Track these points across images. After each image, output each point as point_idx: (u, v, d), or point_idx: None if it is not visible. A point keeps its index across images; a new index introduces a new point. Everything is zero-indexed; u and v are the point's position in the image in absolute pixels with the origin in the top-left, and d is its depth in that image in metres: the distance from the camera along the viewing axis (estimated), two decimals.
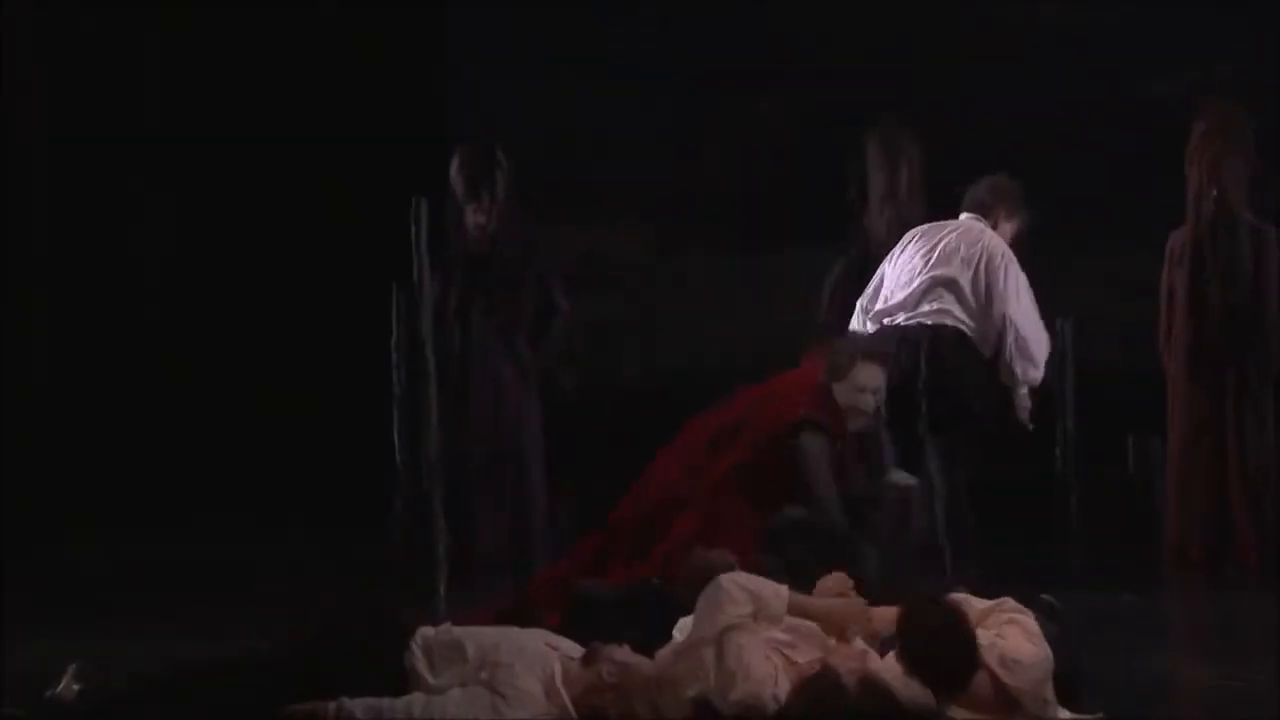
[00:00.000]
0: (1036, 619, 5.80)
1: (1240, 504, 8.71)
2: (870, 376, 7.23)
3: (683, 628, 5.76)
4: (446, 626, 5.70)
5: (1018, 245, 8.16)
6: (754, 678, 5.40)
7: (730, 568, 6.10)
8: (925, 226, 8.14)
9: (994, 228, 8.16)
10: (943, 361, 7.87)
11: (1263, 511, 8.70)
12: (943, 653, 5.28)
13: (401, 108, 10.90)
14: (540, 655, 5.54)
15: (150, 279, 11.21)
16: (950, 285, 7.95)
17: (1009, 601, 5.69)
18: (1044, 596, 6.58)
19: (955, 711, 5.34)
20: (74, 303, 10.91)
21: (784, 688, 5.41)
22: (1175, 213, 8.85)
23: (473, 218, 8.58)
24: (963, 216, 8.17)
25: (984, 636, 5.51)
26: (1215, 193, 8.70)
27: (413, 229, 8.07)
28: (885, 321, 7.94)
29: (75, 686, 5.74)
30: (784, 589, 5.66)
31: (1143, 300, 9.13)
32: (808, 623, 5.61)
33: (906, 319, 7.93)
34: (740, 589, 5.56)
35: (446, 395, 8.27)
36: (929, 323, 7.92)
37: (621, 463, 10.08)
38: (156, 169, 11.15)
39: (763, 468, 7.08)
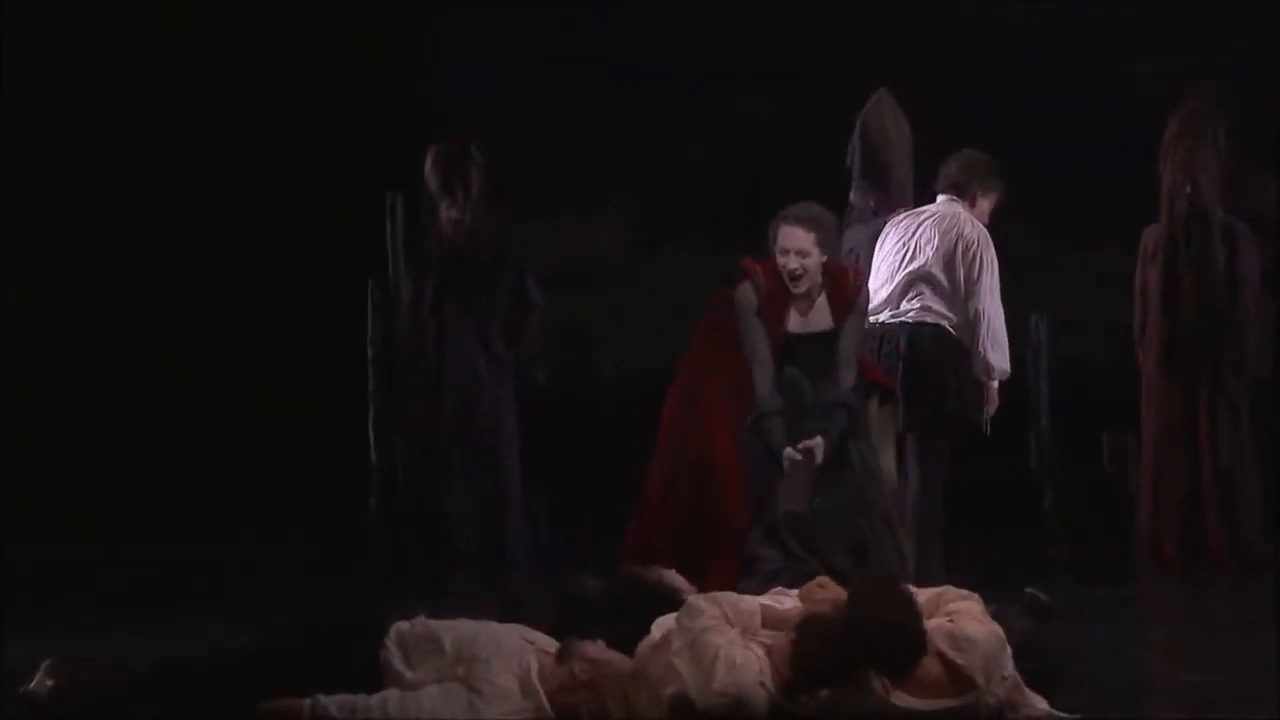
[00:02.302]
0: (1015, 613, 5.81)
1: (1213, 500, 8.73)
2: (787, 238, 7.28)
3: (661, 624, 5.76)
4: (422, 620, 5.68)
5: (996, 218, 8.17)
6: (737, 666, 5.41)
7: (656, 582, 6.07)
8: (903, 215, 8.13)
9: (972, 206, 8.15)
10: (921, 362, 7.88)
11: (1235, 507, 8.73)
12: (890, 634, 5.28)
13: (380, 103, 10.90)
14: (517, 650, 5.53)
15: (127, 276, 11.19)
16: (927, 279, 7.95)
17: (950, 590, 5.70)
18: (1029, 590, 6.58)
19: (910, 696, 5.34)
20: (54, 300, 10.90)
21: (770, 675, 5.41)
22: (1150, 209, 8.88)
23: (447, 213, 8.57)
24: (940, 199, 8.15)
25: (932, 622, 5.51)
26: (1189, 190, 8.73)
27: (388, 225, 8.08)
28: (871, 320, 7.91)
29: (48, 683, 5.72)
30: (755, 603, 5.68)
31: (1118, 297, 9.16)
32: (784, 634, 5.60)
33: (890, 317, 7.95)
34: (710, 603, 5.58)
35: (421, 391, 8.27)
36: (910, 320, 7.92)
37: (597, 459, 10.12)
38: (135, 166, 11.14)
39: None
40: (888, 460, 7.58)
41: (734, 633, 5.51)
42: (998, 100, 10.37)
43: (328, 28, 11.01)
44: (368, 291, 8.21)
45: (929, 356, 7.90)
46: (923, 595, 5.66)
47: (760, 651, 5.48)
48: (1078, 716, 5.59)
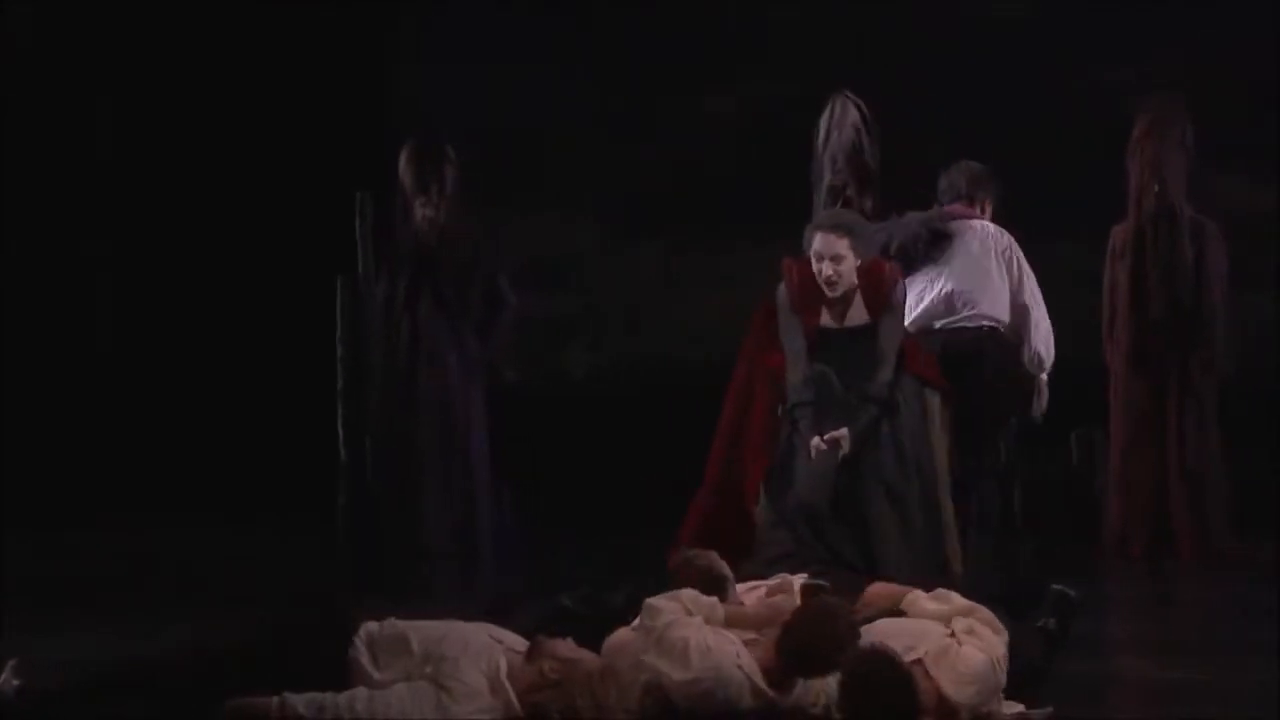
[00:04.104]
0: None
1: (1180, 497, 8.77)
2: (822, 244, 7.50)
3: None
4: (391, 621, 5.68)
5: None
6: (710, 650, 5.42)
7: (718, 573, 6.11)
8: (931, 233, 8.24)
9: (982, 212, 8.30)
10: (981, 363, 8.05)
11: (1203, 504, 8.76)
12: (885, 708, 5.26)
13: (350, 102, 10.88)
14: (485, 649, 5.54)
15: (93, 274, 11.16)
16: (975, 288, 8.09)
17: (985, 612, 5.69)
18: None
19: None
20: (20, 299, 10.86)
21: (748, 659, 5.43)
22: (1118, 205, 8.91)
23: (421, 211, 8.55)
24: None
25: (938, 639, 5.53)
26: (1157, 188, 8.77)
27: (357, 223, 8.07)
28: (933, 325, 8.09)
29: (15, 682, 5.71)
30: (716, 600, 5.70)
31: (1086, 294, 9.19)
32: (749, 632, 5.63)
33: (945, 324, 8.07)
34: (668, 599, 5.60)
35: (392, 388, 8.26)
36: (969, 325, 8.07)
37: (568, 457, 10.12)
38: (102, 164, 11.11)
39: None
40: (941, 455, 7.72)
41: (698, 620, 5.52)
42: (966, 99, 10.39)
43: (298, 25, 10.99)
44: (336, 290, 8.19)
45: (984, 356, 8.05)
46: (951, 600, 5.68)
47: (733, 636, 5.49)
48: (1049, 709, 5.62)
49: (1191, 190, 8.82)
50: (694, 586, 5.84)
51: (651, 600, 5.62)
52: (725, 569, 6.20)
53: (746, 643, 5.53)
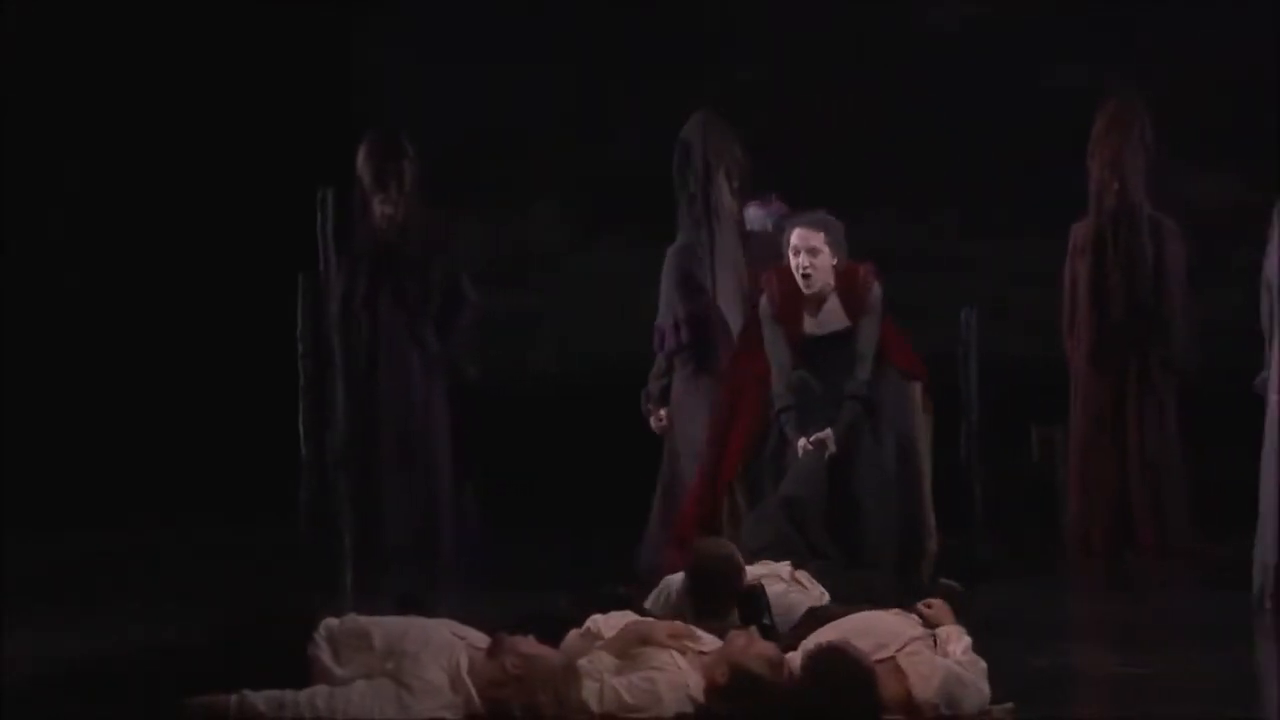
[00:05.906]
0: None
1: (1140, 493, 8.81)
2: (798, 238, 7.65)
3: (595, 620, 5.81)
4: (351, 616, 5.68)
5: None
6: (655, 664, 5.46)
7: (729, 556, 6.18)
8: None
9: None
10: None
11: (1162, 500, 8.81)
12: (844, 705, 5.27)
13: (312, 99, 10.87)
14: (446, 645, 5.54)
15: (52, 270, 11.12)
16: None
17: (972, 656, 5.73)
18: (943, 581, 6.67)
19: None
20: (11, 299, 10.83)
21: (687, 666, 5.48)
22: (1078, 203, 8.95)
23: (380, 208, 8.54)
24: (758, 207, 8.32)
25: (911, 639, 5.56)
26: (1117, 186, 8.81)
27: (319, 219, 8.05)
28: None
29: None
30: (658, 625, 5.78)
31: (1046, 291, 9.22)
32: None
33: None
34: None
35: (353, 386, 8.25)
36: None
37: (531, 454, 10.12)
38: (62, 160, 11.08)
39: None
40: (926, 443, 7.84)
41: (666, 655, 5.56)
42: (930, 99, 10.43)
43: (261, 22, 10.97)
44: (298, 287, 8.17)
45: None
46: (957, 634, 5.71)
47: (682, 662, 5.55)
48: (1010, 705, 5.63)
49: (1153, 188, 8.86)
50: (709, 572, 6.07)
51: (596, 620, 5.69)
52: (741, 560, 6.34)
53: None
